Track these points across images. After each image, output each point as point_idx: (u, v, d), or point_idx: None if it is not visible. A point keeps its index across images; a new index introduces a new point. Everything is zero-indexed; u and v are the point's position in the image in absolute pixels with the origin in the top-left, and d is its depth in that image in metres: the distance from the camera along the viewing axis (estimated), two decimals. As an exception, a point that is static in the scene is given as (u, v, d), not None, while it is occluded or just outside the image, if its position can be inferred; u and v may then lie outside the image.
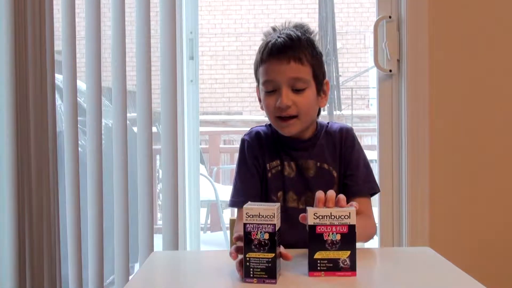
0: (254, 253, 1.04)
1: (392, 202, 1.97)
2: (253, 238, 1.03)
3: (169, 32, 1.88)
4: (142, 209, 1.91)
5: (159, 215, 3.92)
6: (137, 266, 2.30)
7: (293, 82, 1.32)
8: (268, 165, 1.38)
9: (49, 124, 1.78)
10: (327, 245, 1.06)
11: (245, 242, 1.03)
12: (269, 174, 1.38)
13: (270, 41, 1.34)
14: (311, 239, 1.06)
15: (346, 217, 1.07)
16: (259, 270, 1.04)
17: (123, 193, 1.90)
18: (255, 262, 1.04)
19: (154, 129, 1.99)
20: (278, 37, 1.34)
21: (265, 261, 1.04)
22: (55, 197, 1.80)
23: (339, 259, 1.06)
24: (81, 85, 2.11)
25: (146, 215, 1.91)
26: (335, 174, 1.36)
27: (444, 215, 1.95)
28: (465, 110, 1.96)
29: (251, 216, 1.03)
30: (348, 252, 1.06)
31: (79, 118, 1.87)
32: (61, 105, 2.00)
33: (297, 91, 1.32)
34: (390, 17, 1.95)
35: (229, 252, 1.08)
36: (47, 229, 1.78)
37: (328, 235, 1.06)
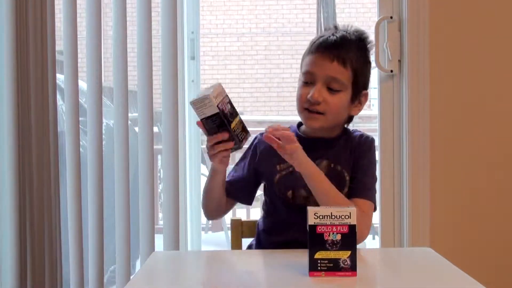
0: (233, 122, 1.21)
1: (393, 202, 1.97)
2: (226, 112, 1.21)
3: (170, 32, 1.88)
4: (143, 208, 1.91)
5: (160, 215, 3.92)
6: (138, 264, 2.31)
7: (329, 81, 1.34)
8: (278, 166, 1.40)
9: (50, 124, 1.78)
10: (327, 245, 1.07)
11: (224, 120, 1.20)
12: (277, 176, 1.40)
13: (323, 36, 1.37)
14: (312, 239, 1.07)
15: (347, 217, 1.07)
16: (241, 132, 1.23)
17: (124, 193, 1.90)
18: (236, 128, 1.21)
19: (155, 129, 2.00)
20: (333, 34, 1.37)
21: (239, 123, 1.23)
22: (57, 197, 1.80)
23: (339, 259, 1.07)
24: (82, 85, 2.12)
25: (147, 215, 1.91)
26: (347, 177, 1.37)
27: (445, 215, 1.95)
28: (466, 110, 1.95)
29: (217, 97, 1.17)
30: (349, 252, 1.07)
31: (80, 118, 1.87)
32: (62, 105, 2.00)
33: (331, 90, 1.35)
34: (391, 17, 1.95)
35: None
36: (48, 229, 1.78)
37: (329, 235, 1.07)
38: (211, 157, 1.31)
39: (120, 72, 1.88)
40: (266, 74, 8.86)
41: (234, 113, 1.26)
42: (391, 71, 1.96)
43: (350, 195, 1.35)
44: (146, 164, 1.90)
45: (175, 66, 1.88)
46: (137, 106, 1.90)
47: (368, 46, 1.39)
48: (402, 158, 1.97)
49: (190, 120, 2.16)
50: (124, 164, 1.90)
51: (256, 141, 1.48)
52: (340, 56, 1.34)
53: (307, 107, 1.36)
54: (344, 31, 1.39)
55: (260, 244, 1.44)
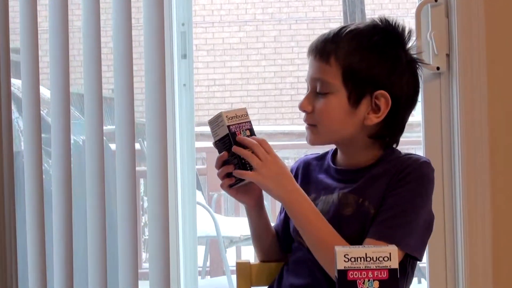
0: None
1: (444, 234, 1.96)
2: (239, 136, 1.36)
3: (155, 23, 1.89)
4: (123, 248, 1.91)
5: (144, 256, 3.91)
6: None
7: (315, 84, 1.39)
8: None
9: (4, 143, 1.78)
10: (362, 295, 1.06)
11: (233, 144, 1.36)
12: None
13: None
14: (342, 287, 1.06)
15: (386, 258, 1.07)
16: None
17: (98, 228, 1.90)
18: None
19: (137, 145, 2.00)
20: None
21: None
22: (12, 235, 1.80)
23: (378, 313, 1.06)
24: (45, 92, 2.12)
25: (128, 256, 1.91)
26: (373, 214, 1.36)
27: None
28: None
29: (231, 118, 1.37)
30: (390, 304, 1.06)
31: (42, 135, 1.87)
32: (18, 118, 2.01)
33: (319, 94, 1.38)
34: (436, 0, 1.95)
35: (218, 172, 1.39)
36: (1, 274, 1.78)
37: (363, 283, 1.06)
38: (221, 187, 1.42)
39: (92, 74, 1.88)
40: (277, 72, 8.90)
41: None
42: (438, 68, 1.96)
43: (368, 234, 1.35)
44: (126, 190, 1.90)
45: (162, 66, 1.88)
46: (113, 117, 1.91)
47: (386, 36, 1.39)
48: (454, 179, 1.96)
49: (181, 134, 2.16)
50: (98, 190, 1.89)
51: (296, 165, 1.52)
52: (323, 51, 1.37)
53: (305, 123, 1.43)
54: (356, 23, 1.42)
55: (280, 285, 1.47)
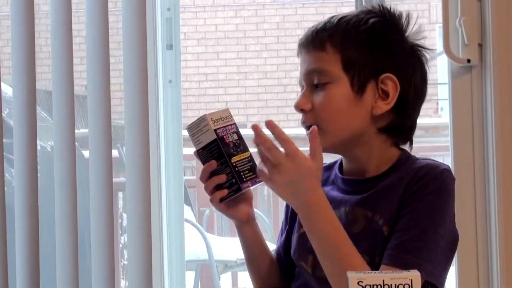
0: (237, 156, 1.38)
1: (477, 254, 1.97)
2: (228, 142, 1.37)
3: (136, 7, 1.89)
4: (98, 274, 1.91)
5: (123, 284, 3.90)
6: None
7: (311, 77, 1.41)
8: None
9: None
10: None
11: (223, 150, 1.37)
12: (296, 235, 1.45)
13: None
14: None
15: (407, 286, 1.07)
16: (247, 171, 1.39)
17: (69, 251, 1.90)
18: (241, 165, 1.38)
19: (114, 152, 2.00)
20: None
21: (247, 161, 1.39)
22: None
23: None
24: (6, 89, 2.12)
25: (104, 283, 1.90)
26: (385, 232, 1.36)
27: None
28: None
29: (216, 121, 1.37)
30: None
31: (3, 140, 1.87)
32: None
33: (317, 88, 1.41)
34: (466, -20, 1.96)
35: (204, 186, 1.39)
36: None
37: (381, 314, 1.06)
38: (211, 202, 1.41)
39: (62, 68, 1.89)
40: (280, 65, 8.90)
41: (241, 147, 1.39)
42: (468, 60, 1.97)
43: (380, 260, 1.35)
44: (102, 205, 1.90)
45: (143, 58, 1.89)
46: (87, 119, 1.91)
47: (383, 19, 1.43)
48: (489, 190, 1.97)
49: (167, 139, 2.16)
50: (69, 206, 1.90)
51: None
52: (316, 40, 1.41)
53: (304, 126, 1.43)
54: (346, 12, 1.45)
55: None
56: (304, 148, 1.38)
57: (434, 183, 1.36)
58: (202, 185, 1.41)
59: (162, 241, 2.12)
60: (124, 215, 3.64)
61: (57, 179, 1.91)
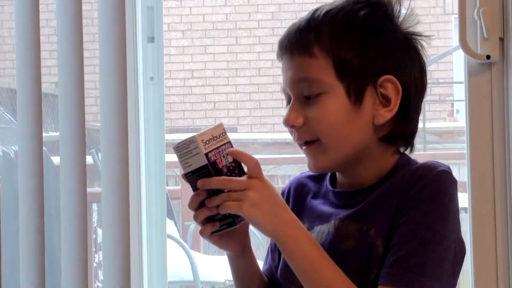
0: None
1: (496, 274, 1.97)
2: (221, 167, 1.37)
3: (113, -5, 1.90)
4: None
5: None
6: None
7: (299, 87, 1.41)
8: None
9: None
10: None
11: (216, 176, 1.36)
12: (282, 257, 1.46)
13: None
14: None
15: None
16: None
17: (36, 271, 1.89)
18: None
19: (89, 159, 2.00)
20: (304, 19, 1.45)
21: None
22: None
23: None
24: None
25: (76, 306, 1.91)
26: (380, 246, 1.37)
27: None
28: None
29: (207, 143, 1.36)
30: None
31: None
32: None
33: (308, 99, 1.40)
34: (486, -34, 1.97)
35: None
36: None
37: None
38: (200, 234, 1.43)
39: (28, 63, 1.89)
40: (275, 61, 8.80)
41: (236, 171, 1.39)
42: (488, 56, 1.98)
43: (376, 281, 1.36)
44: (74, 219, 1.90)
45: (121, 52, 1.89)
46: (57, 121, 1.90)
47: (373, 10, 1.42)
48: (511, 202, 1.97)
49: (148, 143, 2.16)
50: (36, 219, 1.89)
51: (287, 186, 1.54)
52: (301, 43, 1.40)
53: (298, 143, 1.44)
54: (330, 3, 1.45)
55: None
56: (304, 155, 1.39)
57: (432, 186, 1.37)
58: (187, 196, 1.42)
59: (141, 260, 2.12)
60: (99, 230, 3.64)
61: (22, 189, 1.90)
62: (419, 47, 1.45)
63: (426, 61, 1.45)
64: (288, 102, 1.43)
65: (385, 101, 1.40)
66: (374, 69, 1.40)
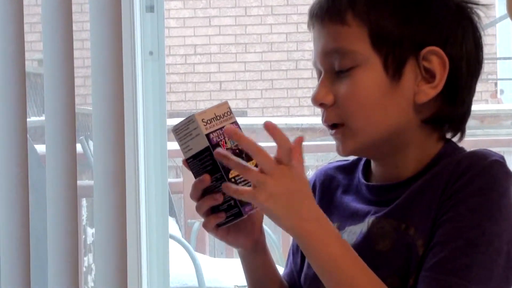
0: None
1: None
2: (225, 149, 1.34)
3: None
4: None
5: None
6: None
7: (331, 60, 1.41)
8: None
9: None
10: None
11: (218, 161, 1.34)
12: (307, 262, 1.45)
13: None
14: None
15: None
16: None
17: (19, 275, 1.90)
18: (242, 180, 1.34)
19: (78, 147, 1.99)
20: None
21: None
22: None
23: None
24: None
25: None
26: (420, 247, 1.36)
27: None
28: None
29: (208, 122, 1.35)
30: None
31: None
32: None
33: (340, 74, 1.40)
34: None
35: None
36: None
37: None
38: (204, 227, 1.42)
39: (8, 38, 1.89)
40: (290, 34, 8.89)
41: (243, 154, 1.35)
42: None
43: (415, 286, 1.35)
44: (61, 216, 1.90)
45: (117, 24, 1.90)
46: (42, 104, 1.91)
47: None
48: None
49: (146, 130, 2.16)
50: (18, 216, 1.90)
51: (313, 178, 1.54)
52: (333, 10, 1.40)
53: (326, 126, 1.43)
54: None
55: None
56: (328, 141, 1.38)
57: (481, 178, 1.35)
58: (190, 190, 1.41)
59: (140, 264, 2.13)
60: (89, 230, 3.65)
61: (3, 183, 1.91)
62: (475, 18, 1.43)
63: (482, 34, 1.44)
64: (319, 78, 1.43)
65: (429, 76, 1.39)
66: (416, 40, 1.39)
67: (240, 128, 1.35)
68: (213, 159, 1.34)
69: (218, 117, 1.35)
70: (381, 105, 1.39)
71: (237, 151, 1.34)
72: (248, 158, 1.34)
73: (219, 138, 1.34)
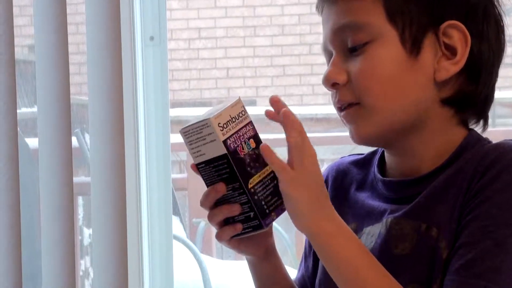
0: (256, 176, 1.36)
1: None
2: (243, 156, 1.35)
3: None
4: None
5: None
6: None
7: (343, 36, 1.42)
8: None
9: None
10: None
11: (237, 170, 1.34)
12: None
13: None
14: None
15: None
16: (270, 197, 1.37)
17: (10, 280, 1.91)
18: (261, 189, 1.36)
19: (74, 141, 2.00)
20: None
21: (268, 180, 1.37)
22: None
23: None
24: None
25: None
26: (444, 249, 1.36)
27: None
28: None
29: (225, 126, 1.34)
30: None
31: None
32: None
33: (353, 51, 1.41)
34: None
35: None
36: None
37: None
38: (217, 238, 1.43)
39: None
40: (303, 15, 8.89)
41: (261, 158, 1.37)
42: None
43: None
44: (55, 216, 1.91)
45: (114, 6, 1.90)
46: (34, 94, 1.91)
47: None
48: None
49: (148, 121, 2.16)
50: (9, 216, 1.90)
51: (326, 173, 1.55)
52: None
53: (337, 107, 1.44)
54: None
55: None
56: (345, 133, 1.38)
57: (509, 173, 1.35)
58: (195, 186, 1.41)
59: (141, 267, 2.14)
60: (86, 231, 3.67)
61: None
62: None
63: (504, 15, 1.44)
64: (328, 61, 1.44)
65: (449, 52, 1.40)
66: (436, 13, 1.40)
67: (254, 127, 1.37)
68: (231, 167, 1.34)
69: (234, 119, 1.36)
70: (399, 81, 1.40)
71: (254, 156, 1.35)
72: (265, 164, 1.36)
73: (236, 143, 1.35)
